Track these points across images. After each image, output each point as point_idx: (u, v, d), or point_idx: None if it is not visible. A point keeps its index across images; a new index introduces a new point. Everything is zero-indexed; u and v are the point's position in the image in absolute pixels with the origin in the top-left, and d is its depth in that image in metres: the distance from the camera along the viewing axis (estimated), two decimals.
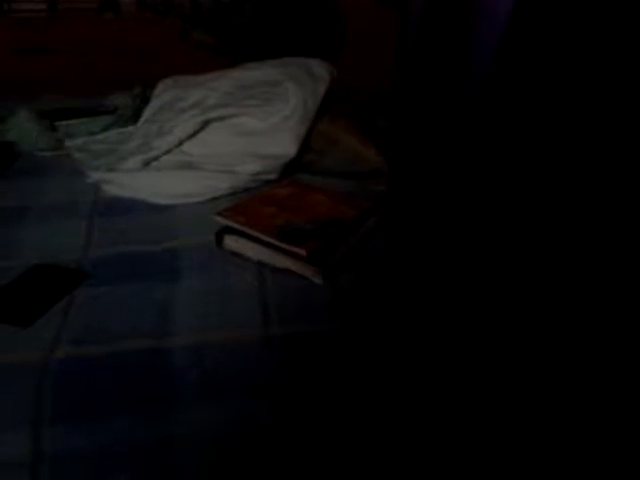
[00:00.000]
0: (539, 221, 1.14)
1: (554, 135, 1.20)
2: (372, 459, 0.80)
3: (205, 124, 1.47)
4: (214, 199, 1.31)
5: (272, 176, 1.38)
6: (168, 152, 1.45)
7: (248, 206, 1.20)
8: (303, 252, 1.05)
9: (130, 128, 1.65)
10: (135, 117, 1.68)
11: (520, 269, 1.06)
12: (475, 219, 1.19)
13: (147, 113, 1.66)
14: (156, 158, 1.44)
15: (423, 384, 0.87)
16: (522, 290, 1.02)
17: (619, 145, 1.13)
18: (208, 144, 1.46)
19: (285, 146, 1.40)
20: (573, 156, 1.16)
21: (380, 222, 1.22)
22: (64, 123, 1.63)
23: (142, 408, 0.83)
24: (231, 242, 1.13)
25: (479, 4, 1.16)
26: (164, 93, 1.69)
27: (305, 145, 1.42)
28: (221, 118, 1.47)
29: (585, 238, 1.08)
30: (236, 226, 1.13)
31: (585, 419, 0.84)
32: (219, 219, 1.16)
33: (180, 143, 1.46)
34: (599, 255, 1.06)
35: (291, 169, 1.41)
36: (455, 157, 1.29)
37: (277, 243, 1.08)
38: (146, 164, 1.42)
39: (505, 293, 1.02)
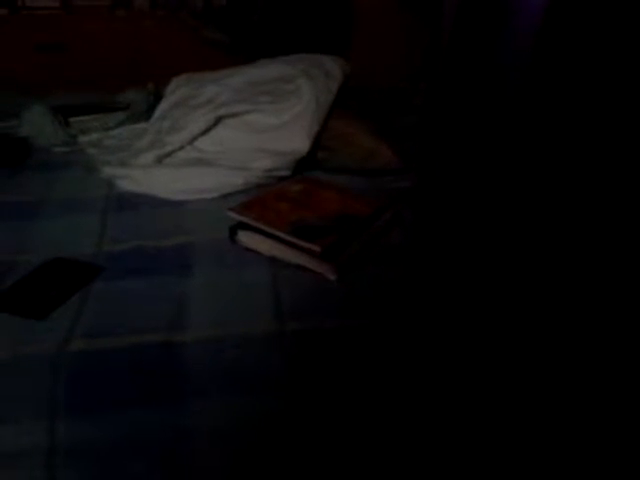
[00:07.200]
0: (573, 218, 1.12)
1: (589, 132, 1.18)
2: (383, 454, 0.80)
3: (218, 121, 1.47)
4: (227, 195, 1.31)
5: (285, 172, 1.38)
6: (181, 148, 1.46)
7: (261, 202, 1.20)
8: (317, 248, 1.05)
9: (143, 124, 1.65)
10: (148, 114, 1.68)
11: (538, 268, 1.06)
12: (506, 216, 1.17)
13: (160, 110, 1.67)
14: (169, 154, 1.44)
15: (433, 381, 0.87)
16: (527, 290, 1.02)
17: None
18: (221, 140, 1.47)
19: (297, 142, 1.40)
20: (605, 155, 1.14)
21: (394, 219, 1.22)
22: (78, 119, 1.64)
23: (156, 401, 0.84)
24: (244, 237, 1.14)
25: (513, 2, 1.15)
26: (177, 90, 1.69)
27: (318, 142, 1.42)
28: (234, 115, 1.47)
29: (588, 238, 1.07)
30: (249, 222, 1.13)
31: (585, 419, 0.83)
32: (232, 215, 1.16)
33: (193, 139, 1.47)
34: (600, 255, 1.06)
35: (304, 166, 1.41)
36: (487, 154, 1.27)
37: (291, 239, 1.08)
38: (159, 160, 1.43)
39: (512, 292, 1.02)
